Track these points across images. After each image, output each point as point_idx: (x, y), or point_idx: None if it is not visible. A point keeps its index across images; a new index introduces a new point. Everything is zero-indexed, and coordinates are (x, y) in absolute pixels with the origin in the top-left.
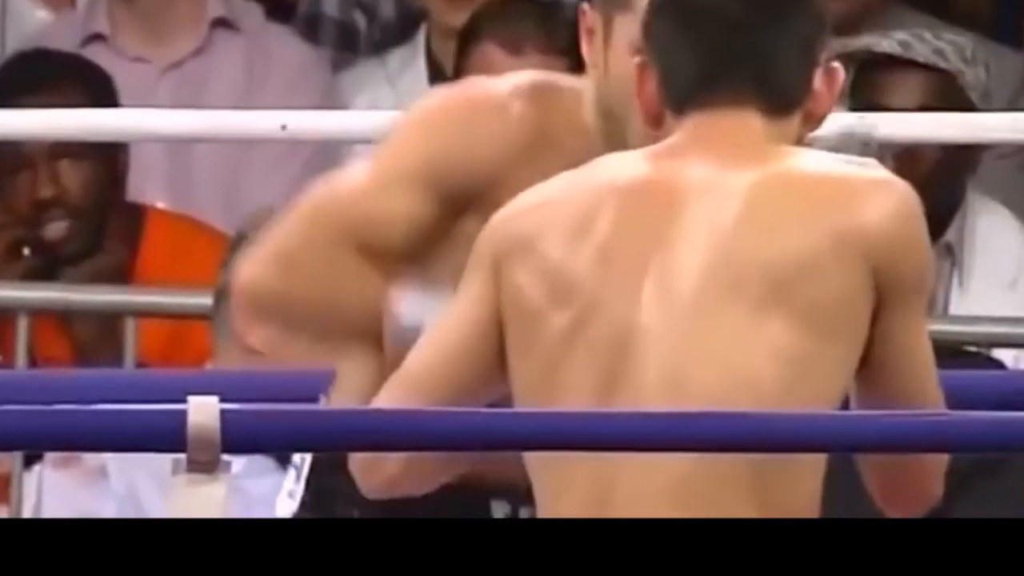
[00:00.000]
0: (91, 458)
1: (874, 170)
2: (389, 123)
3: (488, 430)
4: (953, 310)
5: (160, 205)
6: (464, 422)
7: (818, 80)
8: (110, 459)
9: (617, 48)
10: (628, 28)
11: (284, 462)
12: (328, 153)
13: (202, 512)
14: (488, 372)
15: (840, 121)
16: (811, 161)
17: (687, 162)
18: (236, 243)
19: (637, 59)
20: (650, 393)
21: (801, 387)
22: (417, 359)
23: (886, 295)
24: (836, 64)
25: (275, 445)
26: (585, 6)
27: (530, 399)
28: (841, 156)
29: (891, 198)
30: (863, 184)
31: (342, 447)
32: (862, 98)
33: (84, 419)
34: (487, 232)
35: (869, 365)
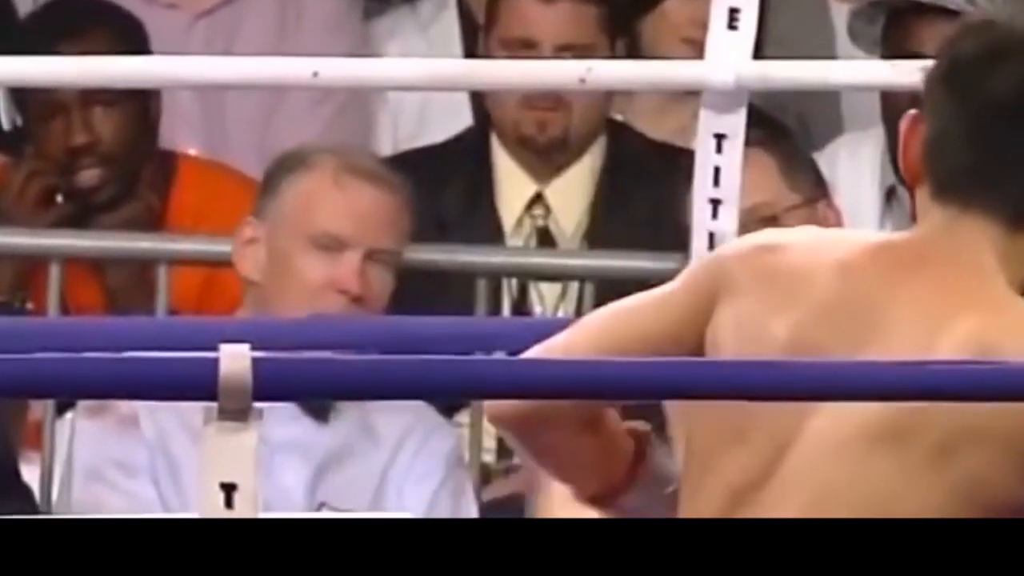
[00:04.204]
0: (123, 406)
1: None
2: (420, 71)
3: (532, 377)
4: None
5: (192, 152)
6: (509, 370)
7: None
8: (141, 407)
9: None
10: None
11: (313, 411)
12: (360, 100)
13: (233, 460)
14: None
15: (873, 69)
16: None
17: (906, 283)
18: (263, 187)
19: (912, 112)
20: (787, 510)
21: None
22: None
23: None
24: None
25: (307, 393)
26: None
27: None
28: None
29: None
30: None
31: (374, 395)
32: (893, 45)
33: (115, 367)
34: (716, 257)
35: None
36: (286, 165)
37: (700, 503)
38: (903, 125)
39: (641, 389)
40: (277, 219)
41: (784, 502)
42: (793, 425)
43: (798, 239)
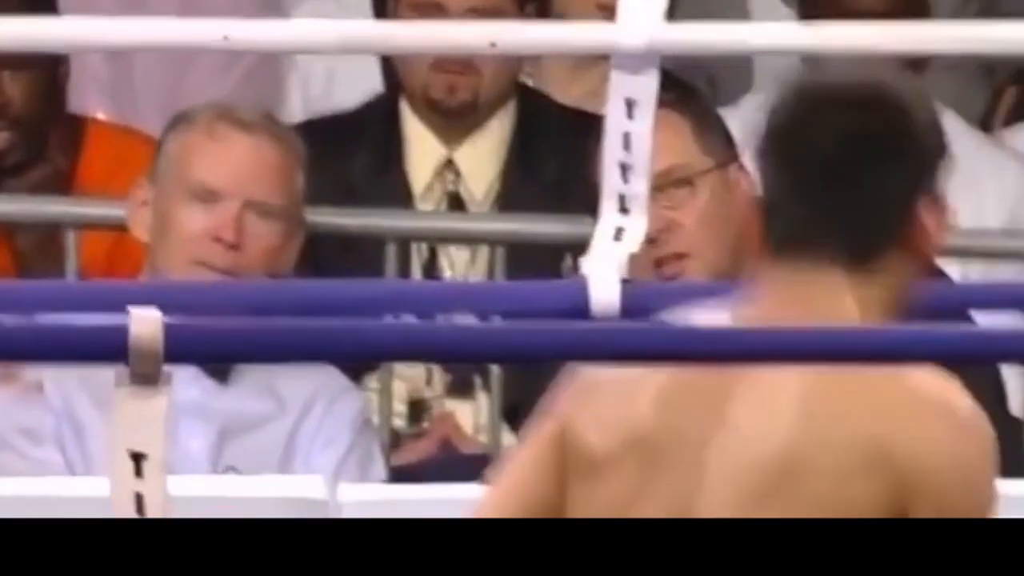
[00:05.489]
0: (28, 373)
1: (943, 387)
2: (331, 34)
3: (414, 340)
4: None
5: (101, 116)
6: (418, 333)
7: (923, 214)
8: (46, 374)
9: None
10: None
11: (214, 372)
12: (269, 64)
13: (143, 426)
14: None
15: (789, 32)
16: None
17: None
18: (159, 144)
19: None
20: None
21: None
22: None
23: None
24: (942, 197)
25: (217, 356)
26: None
27: None
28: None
29: (942, 424)
30: (919, 402)
31: (284, 358)
32: (813, 5)
33: (25, 332)
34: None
35: None
36: (171, 124)
37: None
38: (746, 212)
39: (555, 351)
40: (161, 177)
41: None
42: (683, 504)
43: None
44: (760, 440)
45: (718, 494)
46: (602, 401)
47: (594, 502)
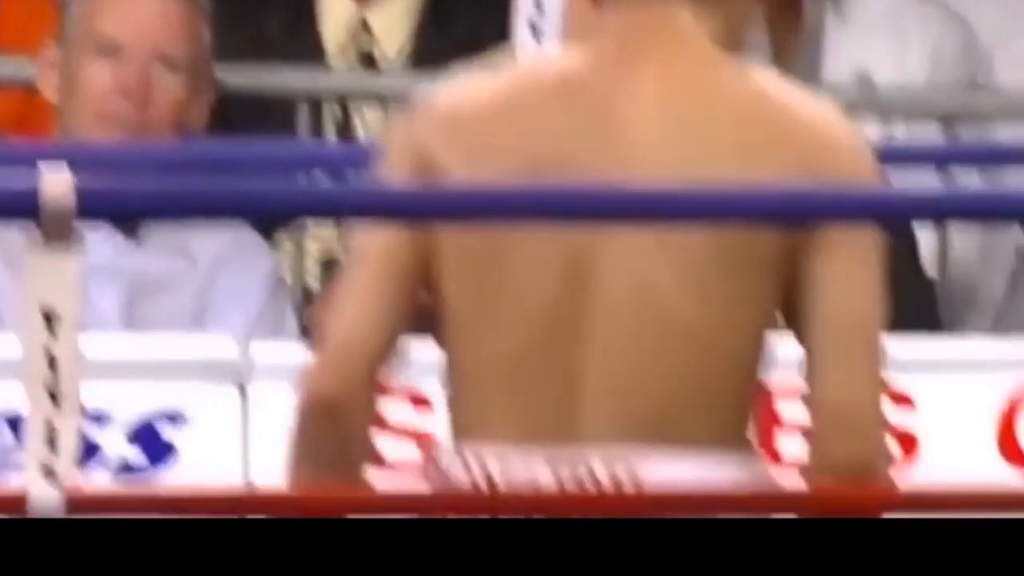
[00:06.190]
0: None
1: (820, 106)
2: None
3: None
4: (831, 54)
5: None
6: (315, 193)
7: None
8: None
9: None
10: None
11: (124, 229)
12: None
13: (56, 284)
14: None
15: None
16: (757, 84)
17: (620, 70)
18: (66, 5)
19: None
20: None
21: (719, 319)
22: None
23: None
24: None
25: (129, 214)
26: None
27: (469, 293)
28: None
29: (839, 125)
30: (810, 118)
31: (195, 217)
32: None
33: None
34: (412, 124)
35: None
36: None
37: (506, 336)
38: None
39: (469, 210)
40: (68, 37)
41: (613, 331)
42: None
43: (479, 89)
44: (652, 158)
45: None
46: (471, 131)
47: (470, 244)
